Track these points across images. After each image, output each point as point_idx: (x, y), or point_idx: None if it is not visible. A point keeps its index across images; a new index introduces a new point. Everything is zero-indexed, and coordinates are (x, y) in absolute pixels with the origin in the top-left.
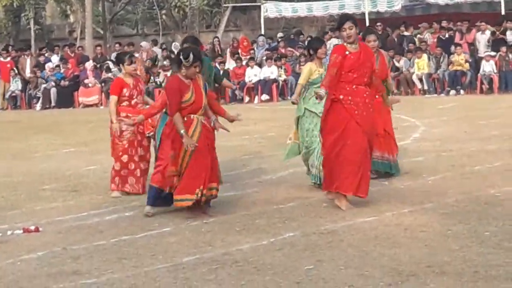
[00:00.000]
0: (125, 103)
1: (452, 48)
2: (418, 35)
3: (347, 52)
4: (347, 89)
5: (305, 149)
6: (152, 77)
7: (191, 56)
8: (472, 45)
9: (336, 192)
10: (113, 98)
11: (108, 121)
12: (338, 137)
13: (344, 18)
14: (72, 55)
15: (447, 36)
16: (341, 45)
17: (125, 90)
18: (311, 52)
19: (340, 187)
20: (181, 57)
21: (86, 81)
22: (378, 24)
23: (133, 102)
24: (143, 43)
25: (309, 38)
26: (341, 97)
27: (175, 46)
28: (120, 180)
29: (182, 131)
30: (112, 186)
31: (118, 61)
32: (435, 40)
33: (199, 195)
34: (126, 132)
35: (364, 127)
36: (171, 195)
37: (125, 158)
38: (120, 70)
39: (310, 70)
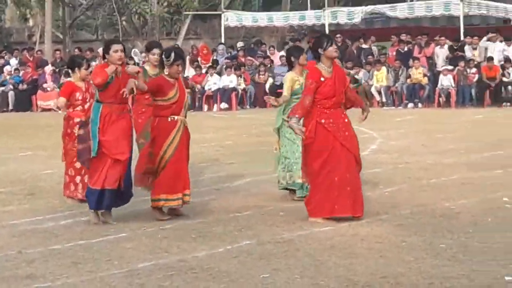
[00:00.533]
0: (79, 108)
1: (411, 61)
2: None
3: (322, 79)
4: (327, 113)
5: (283, 159)
6: None
7: (172, 54)
8: (430, 59)
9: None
10: (62, 100)
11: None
12: (325, 161)
13: (328, 38)
14: (31, 58)
15: (406, 49)
16: (316, 68)
17: (77, 94)
18: (292, 59)
19: (335, 211)
20: (162, 56)
21: (44, 85)
22: (338, 36)
23: (86, 106)
24: (100, 49)
25: (287, 47)
26: (323, 121)
27: (135, 53)
28: (74, 186)
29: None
30: (67, 193)
31: (74, 65)
32: (394, 53)
33: (180, 198)
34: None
35: (348, 146)
36: (118, 195)
37: (78, 164)
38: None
39: (292, 80)
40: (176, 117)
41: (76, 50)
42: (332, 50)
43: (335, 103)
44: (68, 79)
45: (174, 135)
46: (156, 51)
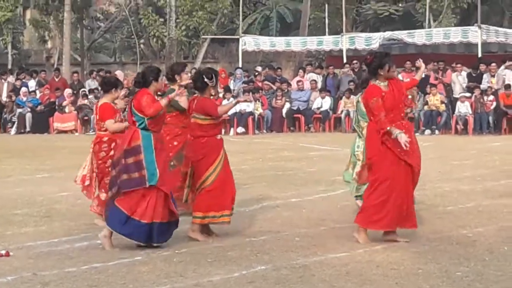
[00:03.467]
0: (103, 128)
1: (428, 88)
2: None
3: (383, 93)
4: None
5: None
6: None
7: (213, 75)
8: (448, 86)
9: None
10: (109, 122)
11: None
12: (389, 184)
13: (389, 60)
14: (57, 79)
15: (423, 76)
16: (375, 85)
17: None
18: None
19: (385, 225)
20: (205, 79)
21: (64, 103)
22: (355, 61)
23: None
24: (118, 72)
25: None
26: (385, 138)
27: (119, 74)
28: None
29: (233, 101)
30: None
31: (111, 85)
32: (409, 79)
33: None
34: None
35: (411, 161)
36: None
37: None
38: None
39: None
40: (219, 136)
41: (94, 73)
42: (391, 73)
43: (395, 115)
44: (85, 101)
45: (223, 152)
46: (188, 69)
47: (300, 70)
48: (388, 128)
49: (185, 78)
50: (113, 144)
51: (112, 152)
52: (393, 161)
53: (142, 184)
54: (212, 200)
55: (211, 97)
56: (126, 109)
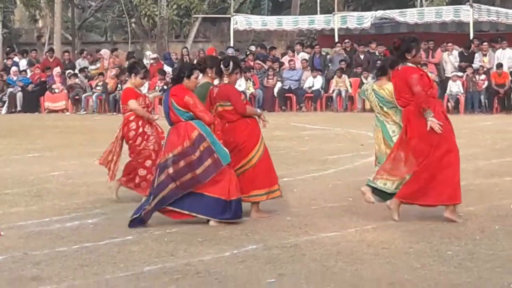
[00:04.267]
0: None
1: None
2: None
3: (421, 72)
4: (433, 102)
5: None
6: (119, 85)
7: (231, 64)
8: (439, 65)
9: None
10: (132, 103)
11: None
12: (436, 146)
13: (417, 45)
14: (51, 60)
15: None
16: (410, 67)
17: (140, 99)
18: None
19: (451, 198)
20: (221, 66)
21: (53, 86)
22: (347, 40)
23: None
24: (103, 51)
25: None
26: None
27: (148, 56)
28: (146, 184)
29: (259, 111)
30: (139, 190)
31: (132, 70)
32: None
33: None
34: (152, 137)
35: (446, 135)
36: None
37: (148, 163)
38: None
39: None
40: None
41: (84, 52)
42: (418, 58)
43: (435, 91)
44: (76, 80)
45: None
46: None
47: (289, 50)
48: (427, 111)
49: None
50: (140, 122)
51: (140, 130)
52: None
53: (219, 167)
54: (262, 176)
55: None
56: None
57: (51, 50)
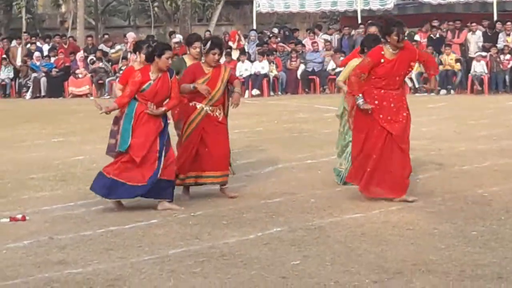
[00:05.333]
0: None
1: (443, 47)
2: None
3: (382, 60)
4: (374, 93)
5: (342, 144)
6: None
7: (209, 43)
8: (463, 46)
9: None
10: (118, 86)
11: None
12: (365, 138)
13: (399, 24)
14: (65, 45)
15: (437, 35)
16: (378, 49)
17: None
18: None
19: (371, 191)
20: (200, 43)
21: (77, 71)
22: (369, 21)
23: None
24: (128, 34)
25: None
26: (367, 101)
27: (129, 35)
28: None
29: (192, 86)
30: None
31: (136, 49)
32: (426, 39)
33: (177, 182)
34: None
35: (389, 128)
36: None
37: None
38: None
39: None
40: (198, 104)
41: (106, 35)
42: (395, 40)
43: (387, 84)
44: (100, 64)
45: (192, 119)
46: (197, 44)
47: (310, 33)
48: (357, 97)
49: (193, 52)
50: None
51: None
52: (368, 120)
53: (113, 150)
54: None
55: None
56: None
57: (71, 37)
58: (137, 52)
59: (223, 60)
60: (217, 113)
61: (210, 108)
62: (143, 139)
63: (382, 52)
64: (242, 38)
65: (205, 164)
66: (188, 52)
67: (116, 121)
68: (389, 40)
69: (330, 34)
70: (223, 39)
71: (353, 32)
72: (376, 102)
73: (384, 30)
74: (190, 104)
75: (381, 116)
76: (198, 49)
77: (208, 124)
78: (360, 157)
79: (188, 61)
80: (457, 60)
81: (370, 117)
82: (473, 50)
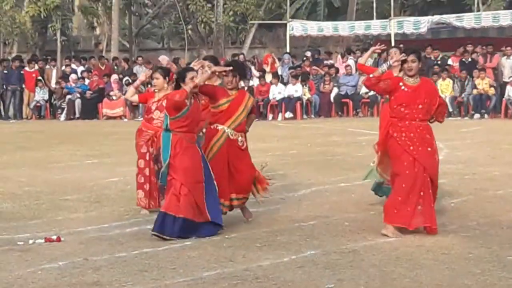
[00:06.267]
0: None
1: (475, 72)
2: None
3: (401, 84)
4: (399, 125)
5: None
6: None
7: (230, 65)
8: (496, 70)
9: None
10: (131, 90)
11: (132, 134)
12: (397, 172)
13: (409, 50)
14: (103, 67)
15: (470, 59)
16: (398, 77)
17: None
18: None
19: (405, 222)
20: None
21: (111, 93)
22: (402, 45)
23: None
24: (161, 57)
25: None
26: (395, 134)
27: (162, 59)
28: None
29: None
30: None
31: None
32: (458, 63)
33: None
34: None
35: (422, 162)
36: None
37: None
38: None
39: None
40: (220, 126)
41: (139, 58)
42: (404, 67)
43: (410, 113)
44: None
45: (214, 143)
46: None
47: (339, 57)
48: (372, 75)
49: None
50: None
51: None
52: (398, 153)
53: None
54: None
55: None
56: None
57: (102, 57)
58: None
59: (256, 82)
60: (239, 139)
61: (232, 132)
62: (186, 165)
63: (402, 80)
64: (277, 61)
65: (231, 187)
66: None
67: (156, 158)
68: (404, 64)
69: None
70: (251, 62)
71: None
72: (404, 135)
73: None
74: (212, 126)
75: (411, 148)
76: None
77: (231, 148)
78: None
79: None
80: (491, 85)
81: (398, 151)
82: (507, 75)
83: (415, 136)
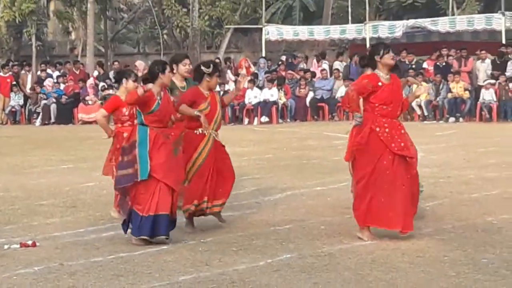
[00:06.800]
0: (127, 124)
1: (450, 76)
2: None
3: (379, 83)
4: (383, 121)
5: None
6: None
7: (211, 65)
8: (471, 73)
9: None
10: (102, 112)
11: (109, 139)
12: (373, 170)
13: (385, 45)
14: (77, 72)
15: (444, 63)
16: (374, 74)
17: (124, 109)
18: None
19: (383, 223)
20: (202, 67)
21: (87, 98)
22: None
23: (135, 122)
24: (138, 62)
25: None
26: (377, 129)
27: (139, 64)
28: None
29: (196, 112)
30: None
31: (121, 76)
32: (432, 67)
33: (192, 208)
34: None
35: (409, 154)
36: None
37: None
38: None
39: None
40: (199, 131)
41: (116, 63)
42: (388, 58)
43: (392, 111)
44: (110, 91)
45: (202, 148)
46: (187, 61)
47: (314, 61)
48: (355, 112)
49: (183, 69)
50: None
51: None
52: (380, 148)
53: (134, 179)
54: (191, 192)
55: (208, 89)
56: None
57: (77, 61)
58: (124, 80)
59: (232, 86)
60: (219, 138)
61: (215, 133)
62: (163, 160)
63: (379, 78)
64: (251, 65)
65: (216, 191)
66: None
67: (125, 151)
68: (381, 61)
69: (336, 61)
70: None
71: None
72: (387, 130)
73: (373, 53)
74: (195, 132)
75: (393, 145)
76: (188, 66)
77: (216, 150)
78: (368, 193)
79: (176, 80)
80: (465, 88)
81: (381, 147)
82: (482, 78)
83: (396, 133)
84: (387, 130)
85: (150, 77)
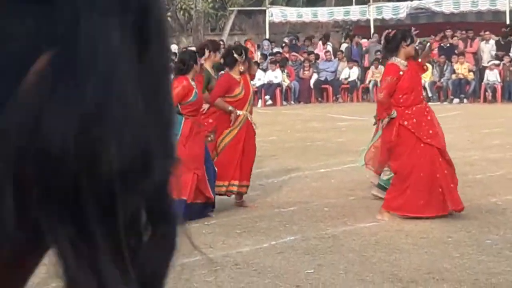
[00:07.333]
0: None
1: (454, 57)
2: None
3: (400, 72)
4: (409, 113)
5: None
6: None
7: (243, 52)
8: (475, 54)
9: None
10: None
11: None
12: (406, 161)
13: (412, 36)
14: None
15: (448, 44)
16: (392, 64)
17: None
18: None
19: (422, 211)
20: (235, 54)
21: None
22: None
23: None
24: None
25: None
26: (405, 123)
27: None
28: None
29: (230, 108)
30: None
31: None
32: (437, 48)
33: (224, 185)
34: None
35: (434, 143)
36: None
37: None
38: None
39: None
40: (239, 112)
41: None
42: (413, 47)
43: (415, 98)
44: None
45: (234, 127)
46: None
47: (320, 42)
48: (389, 113)
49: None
50: None
51: None
52: (412, 140)
53: None
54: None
55: (239, 74)
56: None
57: None
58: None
59: None
60: (253, 121)
61: (249, 115)
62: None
63: (398, 67)
64: (255, 48)
65: (243, 172)
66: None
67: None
68: (406, 49)
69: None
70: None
71: (362, 40)
72: (415, 120)
73: (400, 38)
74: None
75: (421, 133)
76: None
77: (247, 132)
78: (405, 184)
79: (208, 68)
80: (470, 69)
81: (412, 139)
82: (486, 59)
83: (423, 120)
84: (414, 120)
85: (185, 69)
